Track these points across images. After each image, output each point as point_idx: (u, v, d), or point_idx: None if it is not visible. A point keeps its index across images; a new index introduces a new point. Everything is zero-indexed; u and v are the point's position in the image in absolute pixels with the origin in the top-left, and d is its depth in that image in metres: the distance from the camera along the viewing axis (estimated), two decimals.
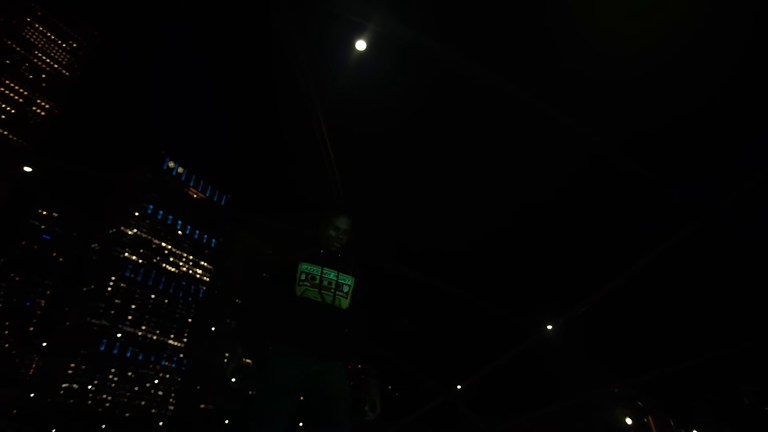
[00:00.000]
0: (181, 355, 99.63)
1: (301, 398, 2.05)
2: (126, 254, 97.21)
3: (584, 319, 6.90)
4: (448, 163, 6.95)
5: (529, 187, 6.67)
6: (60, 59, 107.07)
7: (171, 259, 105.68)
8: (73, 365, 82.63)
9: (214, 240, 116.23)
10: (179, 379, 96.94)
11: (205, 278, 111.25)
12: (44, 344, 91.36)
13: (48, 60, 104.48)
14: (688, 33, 4.06)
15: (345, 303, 2.30)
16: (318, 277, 2.28)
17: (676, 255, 5.12)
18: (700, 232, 4.64)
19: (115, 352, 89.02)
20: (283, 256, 2.39)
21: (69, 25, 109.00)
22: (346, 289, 2.32)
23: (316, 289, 2.25)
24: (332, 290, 2.28)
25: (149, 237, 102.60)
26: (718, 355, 6.70)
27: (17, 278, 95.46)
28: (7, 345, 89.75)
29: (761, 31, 3.88)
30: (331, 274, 2.33)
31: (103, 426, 62.85)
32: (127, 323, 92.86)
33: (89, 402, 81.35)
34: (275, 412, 1.95)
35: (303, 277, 2.27)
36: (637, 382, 7.91)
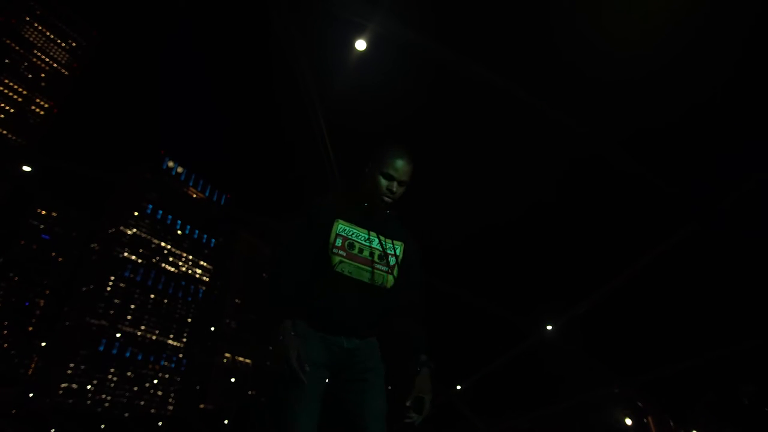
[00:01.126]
0: (181, 355, 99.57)
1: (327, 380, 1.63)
2: (125, 254, 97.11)
3: (584, 319, 6.90)
4: (449, 162, 6.94)
5: (529, 187, 6.67)
6: (59, 58, 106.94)
7: (170, 258, 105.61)
8: (72, 365, 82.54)
9: (213, 240, 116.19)
10: (179, 379, 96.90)
11: (204, 278, 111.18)
12: (43, 344, 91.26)
13: (47, 59, 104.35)
14: (689, 33, 4.06)
15: (390, 281, 1.70)
16: (357, 246, 1.68)
17: (676, 255, 5.12)
18: (700, 232, 4.64)
19: (115, 352, 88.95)
20: (315, 207, 1.72)
21: (68, 25, 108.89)
22: (393, 261, 1.72)
23: (353, 263, 1.65)
24: (373, 264, 1.68)
25: (148, 237, 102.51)
26: (718, 355, 6.70)
27: (16, 278, 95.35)
28: (6, 345, 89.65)
29: (760, 31, 3.88)
30: (375, 242, 1.71)
31: (102, 426, 62.76)
32: (127, 323, 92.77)
33: (88, 402, 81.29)
34: (301, 394, 1.50)
35: (339, 242, 1.66)
36: (637, 382, 7.91)
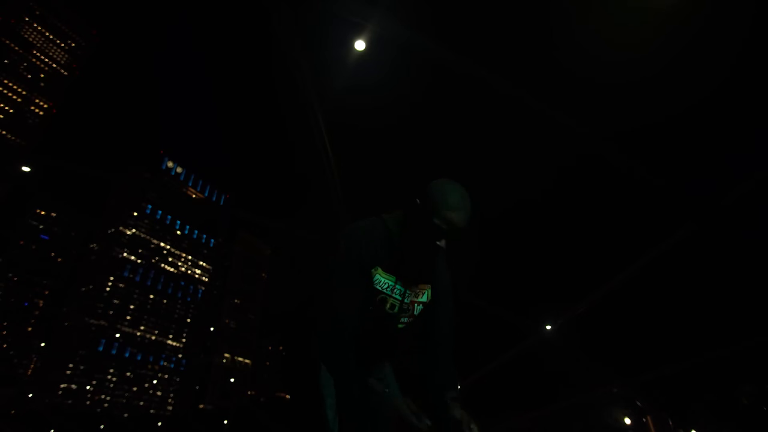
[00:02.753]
0: (180, 356, 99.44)
1: None
2: (124, 254, 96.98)
3: (583, 319, 6.90)
4: (447, 161, 6.94)
5: (529, 186, 6.68)
6: (58, 59, 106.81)
7: (170, 259, 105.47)
8: (71, 365, 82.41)
9: (212, 240, 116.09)
10: (178, 379, 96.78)
11: (203, 278, 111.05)
12: (42, 344, 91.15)
13: (46, 59, 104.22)
14: (688, 34, 4.07)
15: (410, 321, 1.71)
16: (389, 301, 1.61)
17: (675, 255, 5.12)
18: (699, 232, 4.64)
19: (114, 352, 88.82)
20: (362, 247, 1.57)
21: (67, 25, 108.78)
22: (419, 309, 1.69)
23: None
24: (397, 316, 1.65)
25: (148, 237, 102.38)
26: (717, 355, 6.70)
27: (15, 278, 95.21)
28: (5, 345, 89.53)
29: (759, 32, 3.88)
30: (399, 292, 1.63)
31: (102, 426, 62.71)
32: (126, 323, 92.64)
33: (87, 402, 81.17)
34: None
35: (376, 296, 1.61)
36: (636, 381, 7.91)
